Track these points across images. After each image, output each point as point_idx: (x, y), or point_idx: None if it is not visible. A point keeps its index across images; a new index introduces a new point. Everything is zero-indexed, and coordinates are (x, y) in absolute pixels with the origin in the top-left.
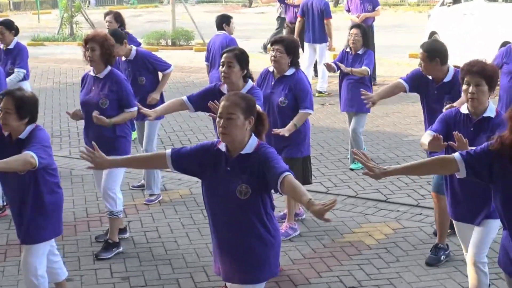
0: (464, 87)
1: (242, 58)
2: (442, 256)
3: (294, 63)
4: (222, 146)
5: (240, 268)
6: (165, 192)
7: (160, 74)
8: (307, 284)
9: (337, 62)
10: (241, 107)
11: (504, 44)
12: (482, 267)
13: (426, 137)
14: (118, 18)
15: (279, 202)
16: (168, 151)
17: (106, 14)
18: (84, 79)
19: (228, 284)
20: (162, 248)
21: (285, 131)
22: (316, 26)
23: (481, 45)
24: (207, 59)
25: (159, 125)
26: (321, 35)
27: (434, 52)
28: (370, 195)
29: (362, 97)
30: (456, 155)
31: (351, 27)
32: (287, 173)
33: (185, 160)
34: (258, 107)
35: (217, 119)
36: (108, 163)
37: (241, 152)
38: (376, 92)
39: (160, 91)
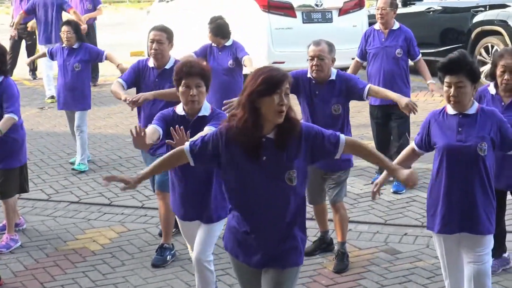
0: (182, 89)
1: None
2: (168, 256)
3: (3, 70)
4: None
5: None
6: None
7: None
8: None
9: None
10: None
11: None
12: (208, 265)
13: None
14: None
15: None
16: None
17: None
18: None
19: None
20: None
21: None
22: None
23: (202, 38)
24: None
25: None
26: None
27: None
28: (94, 200)
29: None
30: (185, 146)
31: (62, 25)
32: None
33: None
34: None
35: None
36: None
37: None
38: None
39: None
